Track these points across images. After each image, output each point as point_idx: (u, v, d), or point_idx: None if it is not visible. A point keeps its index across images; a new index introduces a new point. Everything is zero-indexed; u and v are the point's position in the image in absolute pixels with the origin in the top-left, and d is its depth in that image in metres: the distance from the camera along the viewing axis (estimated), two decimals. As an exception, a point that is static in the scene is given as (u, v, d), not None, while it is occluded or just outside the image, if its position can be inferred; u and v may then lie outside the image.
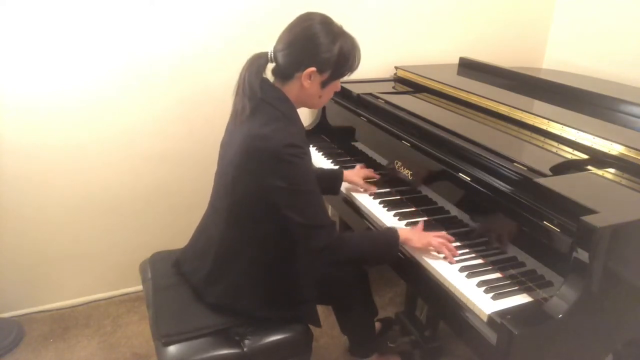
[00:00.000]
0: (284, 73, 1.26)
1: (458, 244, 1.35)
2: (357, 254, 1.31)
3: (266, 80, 1.29)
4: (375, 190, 1.65)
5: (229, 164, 1.29)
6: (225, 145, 1.37)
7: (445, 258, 1.28)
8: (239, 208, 1.29)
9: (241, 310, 1.35)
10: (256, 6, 1.94)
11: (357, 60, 1.29)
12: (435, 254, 1.30)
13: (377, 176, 1.71)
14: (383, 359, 1.78)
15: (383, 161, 1.73)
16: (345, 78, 1.96)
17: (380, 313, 1.80)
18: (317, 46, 1.21)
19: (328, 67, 1.24)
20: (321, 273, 1.46)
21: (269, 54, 1.26)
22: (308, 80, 1.24)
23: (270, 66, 1.28)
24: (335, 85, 1.32)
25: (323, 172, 1.70)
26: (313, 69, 1.22)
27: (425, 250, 1.31)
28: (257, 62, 1.25)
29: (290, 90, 1.27)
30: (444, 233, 1.36)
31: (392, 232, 1.33)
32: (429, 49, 2.34)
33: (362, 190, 1.66)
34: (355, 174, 1.69)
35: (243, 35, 1.95)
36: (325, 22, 1.24)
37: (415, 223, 1.45)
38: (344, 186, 1.69)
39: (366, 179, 1.69)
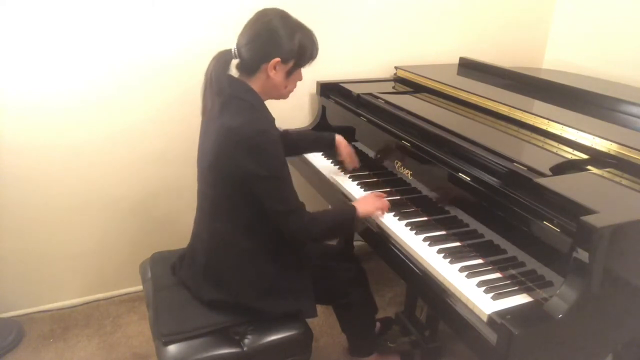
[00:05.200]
0: (250, 66, 1.32)
1: (458, 244, 1.35)
2: (326, 229, 1.41)
3: (232, 76, 1.35)
4: (356, 165, 1.77)
5: (206, 162, 1.35)
6: (200, 146, 1.41)
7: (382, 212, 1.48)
8: (221, 200, 1.34)
9: (239, 303, 1.36)
10: (256, 8, 1.94)
11: (316, 50, 1.37)
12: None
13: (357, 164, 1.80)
14: (383, 358, 1.78)
15: (383, 161, 1.73)
16: (346, 78, 1.95)
17: (380, 313, 1.80)
18: (279, 38, 1.29)
19: (291, 57, 1.32)
20: (321, 274, 1.48)
21: (233, 50, 1.31)
22: (273, 70, 1.31)
23: (234, 62, 1.34)
24: (298, 75, 1.40)
25: (319, 136, 1.80)
26: (278, 59, 1.29)
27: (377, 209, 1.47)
28: (223, 59, 1.31)
29: (256, 82, 1.33)
30: (378, 192, 1.56)
31: (352, 210, 1.44)
32: (429, 49, 2.34)
33: (341, 167, 1.81)
34: (347, 148, 1.76)
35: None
36: (283, 16, 1.32)
37: (416, 223, 1.45)
38: (344, 186, 1.70)
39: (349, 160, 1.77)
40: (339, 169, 1.84)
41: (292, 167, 1.54)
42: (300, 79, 1.42)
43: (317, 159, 1.94)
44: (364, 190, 1.66)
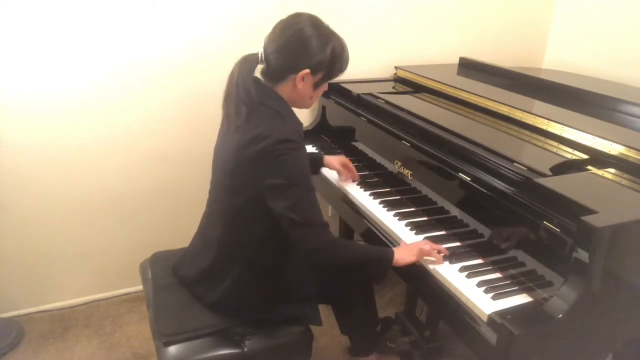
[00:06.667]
0: (276, 75, 1.26)
1: (458, 244, 1.35)
2: (349, 259, 1.29)
3: (258, 80, 1.29)
4: (356, 179, 1.71)
5: (223, 169, 1.30)
6: (218, 149, 1.37)
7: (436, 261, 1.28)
8: (236, 211, 1.29)
9: (241, 311, 1.35)
10: (256, 7, 1.94)
11: (347, 61, 1.31)
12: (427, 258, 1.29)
13: (355, 173, 1.72)
14: (383, 358, 1.78)
15: (383, 161, 1.73)
16: (346, 78, 1.93)
17: (380, 313, 1.80)
18: (310, 49, 1.22)
19: (321, 69, 1.26)
20: (322, 274, 1.46)
21: (260, 55, 1.25)
22: (302, 82, 1.25)
23: (259, 67, 1.27)
24: (325, 85, 1.33)
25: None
26: (307, 71, 1.23)
27: (419, 259, 1.30)
28: (248, 65, 1.24)
29: (282, 90, 1.28)
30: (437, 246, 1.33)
31: (387, 252, 1.30)
32: (429, 49, 2.34)
33: (342, 177, 1.71)
34: (337, 159, 1.71)
35: (243, 36, 1.95)
36: (316, 24, 1.24)
37: (416, 223, 1.45)
38: (344, 186, 1.70)
39: (345, 168, 1.71)
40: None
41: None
42: (325, 88, 1.35)
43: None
44: (363, 191, 1.66)
